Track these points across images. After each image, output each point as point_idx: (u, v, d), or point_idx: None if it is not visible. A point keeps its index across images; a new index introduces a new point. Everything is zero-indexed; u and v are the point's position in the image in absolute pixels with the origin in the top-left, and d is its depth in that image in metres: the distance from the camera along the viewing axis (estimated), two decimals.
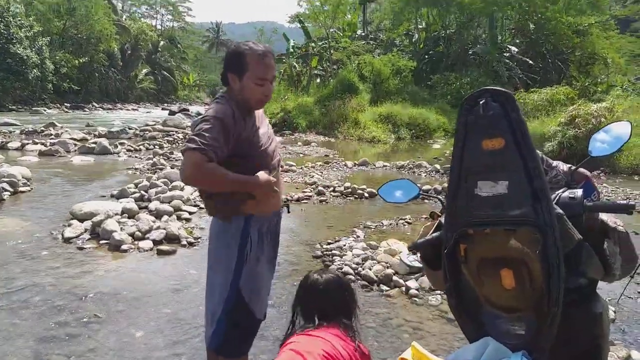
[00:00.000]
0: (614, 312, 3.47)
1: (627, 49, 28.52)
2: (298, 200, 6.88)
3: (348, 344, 1.72)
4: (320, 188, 7.48)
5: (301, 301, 1.92)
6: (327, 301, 1.87)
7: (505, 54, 21.79)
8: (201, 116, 1.91)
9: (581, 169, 1.72)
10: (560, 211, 1.51)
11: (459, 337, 3.07)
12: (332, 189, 7.57)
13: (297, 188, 7.73)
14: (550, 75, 21.96)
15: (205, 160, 1.72)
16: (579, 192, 1.60)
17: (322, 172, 9.32)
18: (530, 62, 21.80)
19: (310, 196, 7.12)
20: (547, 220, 1.47)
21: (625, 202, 1.56)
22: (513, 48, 22.35)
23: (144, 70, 45.19)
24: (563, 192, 1.62)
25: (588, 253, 1.58)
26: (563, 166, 1.78)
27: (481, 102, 1.57)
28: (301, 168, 9.62)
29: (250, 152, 1.91)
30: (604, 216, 1.64)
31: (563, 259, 1.46)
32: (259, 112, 2.06)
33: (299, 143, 14.50)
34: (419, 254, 1.95)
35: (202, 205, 6.18)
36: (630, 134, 1.77)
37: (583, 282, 1.60)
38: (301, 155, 12.04)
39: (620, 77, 21.38)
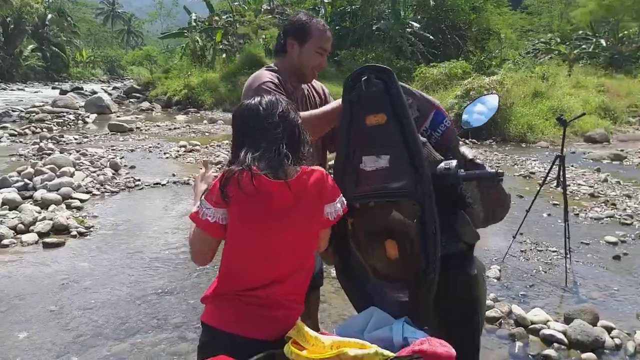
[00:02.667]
0: (499, 270, 3.77)
1: (518, 24, 30.72)
2: None
3: None
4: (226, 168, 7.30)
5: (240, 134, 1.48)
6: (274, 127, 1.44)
7: (407, 30, 22.43)
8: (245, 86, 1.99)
9: (428, 97, 1.77)
10: (424, 139, 1.56)
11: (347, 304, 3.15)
12: None
13: (201, 169, 7.47)
14: (450, 50, 23.00)
15: None
16: (453, 163, 1.66)
17: (228, 151, 9.09)
18: (431, 37, 22.65)
19: (216, 176, 6.91)
20: (425, 191, 1.52)
21: (494, 171, 1.66)
22: (415, 24, 23.06)
23: (30, 46, 41.00)
24: (439, 163, 1.68)
25: (463, 220, 1.66)
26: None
27: (363, 80, 1.58)
28: (206, 147, 9.33)
29: None
30: (468, 154, 1.73)
31: (440, 227, 1.52)
32: (312, 90, 2.10)
33: (205, 121, 14.03)
34: None
35: (95, 192, 5.80)
36: (498, 106, 1.89)
37: (461, 247, 1.68)
38: (207, 134, 11.66)
39: (512, 51, 22.95)
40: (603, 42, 23.58)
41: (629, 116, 13.28)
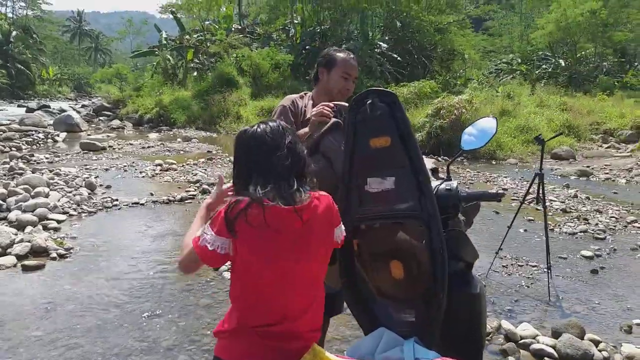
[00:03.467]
0: (485, 286, 3.85)
1: (480, 45, 31.75)
2: (181, 200, 6.58)
3: None
4: (205, 186, 7.24)
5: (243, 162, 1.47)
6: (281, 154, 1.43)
7: (376, 50, 22.91)
8: None
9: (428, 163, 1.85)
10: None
11: (351, 325, 3.17)
12: None
13: (179, 187, 7.40)
14: (417, 70, 23.57)
15: None
16: (454, 184, 1.73)
17: (205, 170, 9.03)
18: (399, 58, 23.18)
19: (195, 195, 6.86)
20: (431, 212, 1.56)
21: (495, 191, 1.74)
22: (383, 44, 23.57)
23: None
24: (440, 184, 1.74)
25: (464, 240, 1.72)
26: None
27: (368, 103, 1.63)
28: (182, 166, 9.23)
29: None
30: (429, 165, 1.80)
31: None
32: None
33: (179, 139, 13.88)
34: None
35: (72, 212, 5.66)
36: (496, 129, 1.96)
37: (461, 266, 1.72)
38: (182, 152, 11.53)
39: (476, 71, 23.71)
40: (562, 62, 24.59)
41: (592, 134, 13.84)
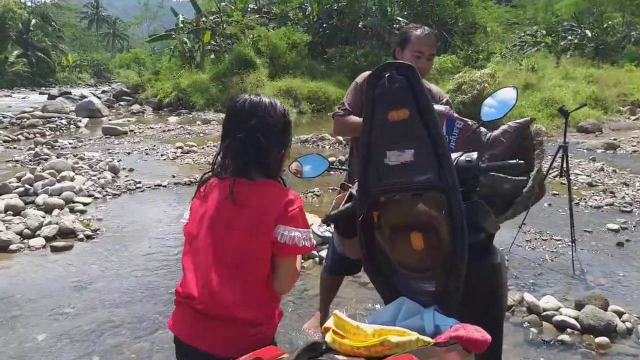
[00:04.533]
0: (507, 260, 3.83)
1: (503, 18, 30.91)
2: None
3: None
4: None
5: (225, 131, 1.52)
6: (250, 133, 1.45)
7: (395, 26, 22.55)
8: None
9: (438, 106, 1.83)
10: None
11: (372, 299, 3.21)
12: None
13: (200, 169, 7.48)
14: (437, 44, 23.21)
15: (338, 116, 2.36)
16: (474, 155, 1.71)
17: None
18: None
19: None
20: (451, 183, 1.55)
21: (515, 161, 1.71)
22: (402, 20, 23.17)
23: (15, 52, 40.48)
24: (460, 155, 1.72)
25: (484, 210, 1.70)
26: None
27: (386, 76, 1.61)
28: (203, 148, 9.31)
29: None
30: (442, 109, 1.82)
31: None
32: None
33: (198, 122, 13.99)
34: (332, 225, 1.98)
35: (97, 195, 5.79)
36: (516, 99, 1.93)
37: (482, 237, 1.71)
38: (201, 134, 11.63)
39: (499, 44, 23.13)
40: (588, 33, 23.83)
41: (619, 105, 13.46)
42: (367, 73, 2.22)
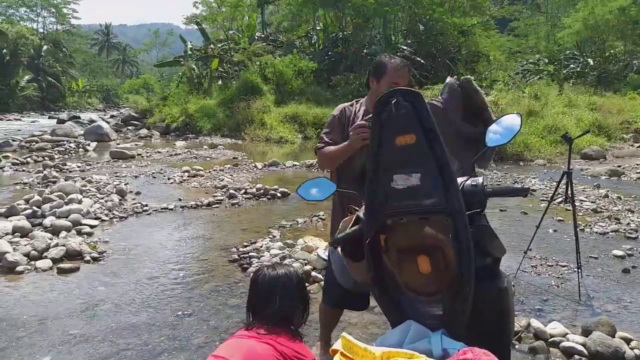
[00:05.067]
0: (513, 285, 3.82)
1: (506, 46, 31.36)
2: (209, 205, 6.71)
3: (279, 346, 1.70)
4: (231, 191, 7.36)
5: (249, 297, 1.89)
6: (269, 300, 1.80)
7: (399, 54, 22.91)
8: None
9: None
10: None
11: (377, 323, 3.20)
12: (243, 191, 7.48)
13: (207, 192, 7.54)
14: (441, 72, 23.42)
15: (320, 150, 2.37)
16: (480, 180, 1.75)
17: (232, 175, 9.17)
18: (422, 61, 23.10)
19: (222, 200, 6.99)
20: (457, 207, 1.58)
21: (520, 186, 1.74)
22: (406, 48, 23.54)
23: (26, 77, 41.32)
24: (465, 180, 1.76)
25: (491, 234, 1.73)
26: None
27: (393, 102, 1.66)
28: (209, 172, 9.40)
29: None
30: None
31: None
32: None
33: (205, 147, 14.14)
34: (339, 248, 2.00)
35: (104, 217, 5.83)
36: (521, 125, 1.97)
37: (489, 260, 1.73)
38: (208, 159, 11.74)
39: (502, 72, 23.42)
40: (591, 61, 24.08)
41: (623, 133, 13.51)
42: (342, 105, 2.41)
